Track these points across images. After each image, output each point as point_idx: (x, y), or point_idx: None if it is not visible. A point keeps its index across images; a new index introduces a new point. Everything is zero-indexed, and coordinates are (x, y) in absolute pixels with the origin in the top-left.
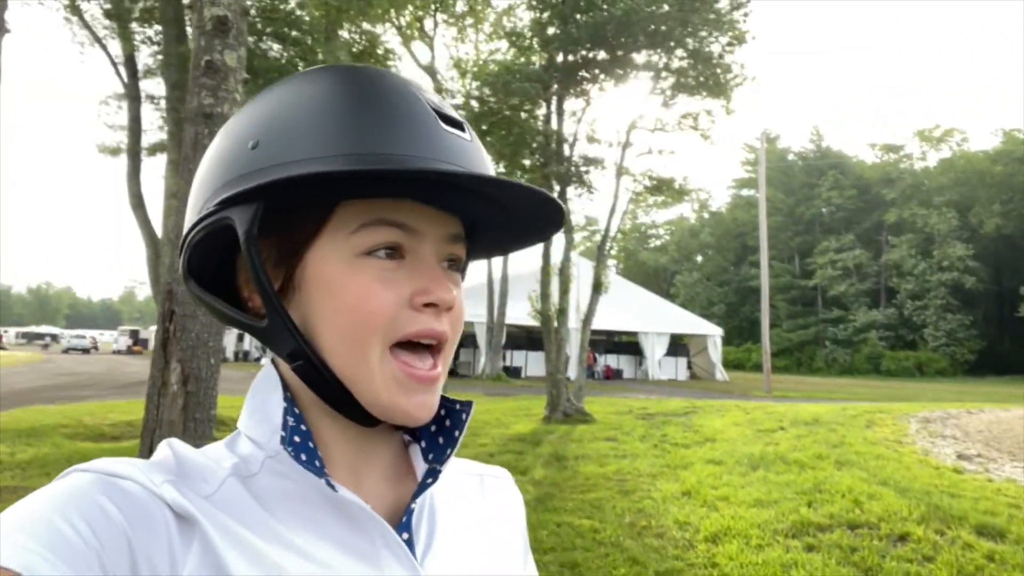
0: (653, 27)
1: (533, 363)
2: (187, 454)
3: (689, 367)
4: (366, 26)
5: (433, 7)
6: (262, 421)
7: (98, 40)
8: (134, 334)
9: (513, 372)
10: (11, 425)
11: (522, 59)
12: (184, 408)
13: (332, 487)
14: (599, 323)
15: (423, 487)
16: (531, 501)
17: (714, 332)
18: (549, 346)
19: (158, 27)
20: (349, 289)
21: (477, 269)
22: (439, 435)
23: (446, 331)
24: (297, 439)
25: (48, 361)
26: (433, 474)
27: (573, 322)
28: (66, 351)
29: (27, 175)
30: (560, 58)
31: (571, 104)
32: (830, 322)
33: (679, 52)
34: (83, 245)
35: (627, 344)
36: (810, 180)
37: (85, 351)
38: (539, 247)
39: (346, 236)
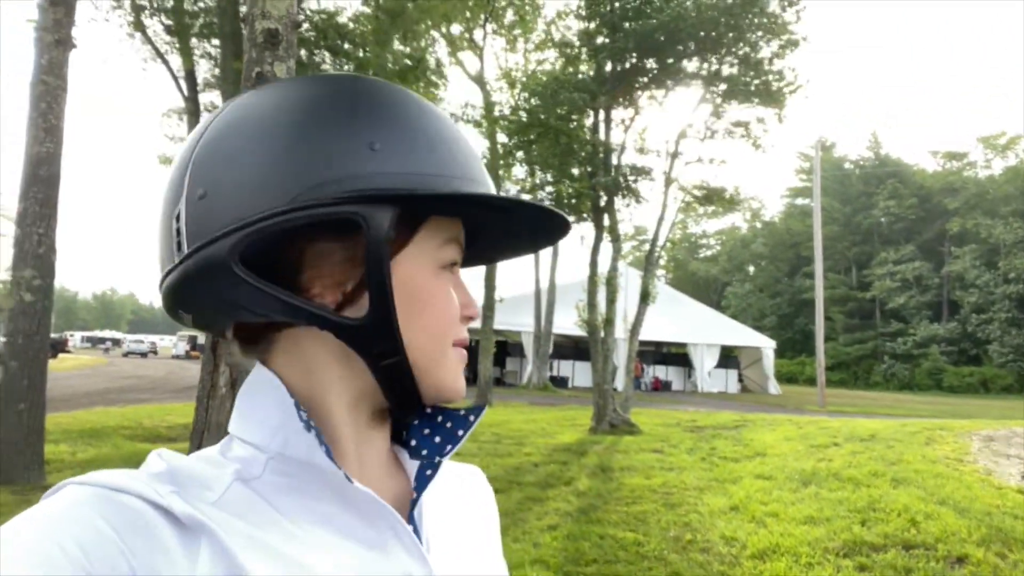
0: (703, 33)
1: (580, 373)
2: (182, 464)
3: (740, 380)
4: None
5: (483, 17)
6: (261, 423)
7: (160, 55)
8: (192, 340)
9: (560, 382)
10: (74, 426)
11: (570, 69)
12: (232, 410)
13: (348, 479)
14: (647, 334)
15: (426, 479)
16: (574, 512)
17: (766, 344)
18: (595, 356)
19: (216, 42)
20: (438, 296)
21: (525, 278)
22: (435, 434)
23: None
24: (314, 433)
25: (111, 364)
26: (434, 467)
27: (620, 332)
28: (126, 355)
29: (92, 186)
30: (608, 67)
31: (619, 113)
32: (889, 335)
33: (729, 59)
34: (146, 253)
35: (676, 355)
36: (868, 188)
37: (143, 355)
38: (587, 256)
39: (434, 248)
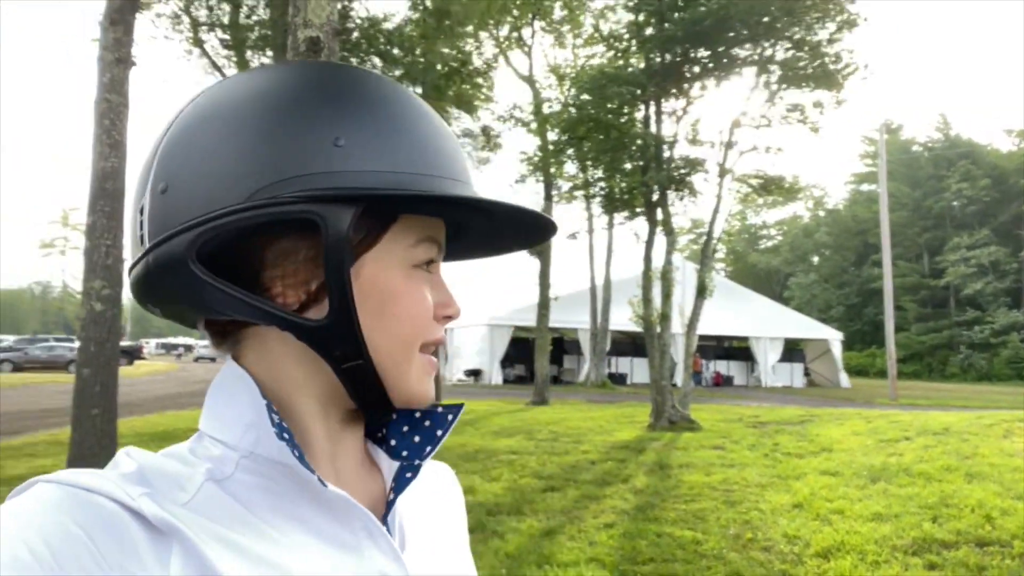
0: (755, 18)
1: (639, 369)
2: (153, 463)
3: (806, 373)
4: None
5: (531, 15)
6: (232, 421)
7: (218, 68)
8: None
9: (618, 379)
10: (147, 429)
11: (619, 62)
12: None
13: (323, 483)
14: (707, 328)
15: (404, 482)
16: (631, 510)
17: (833, 336)
18: (652, 352)
19: (271, 53)
20: (407, 298)
21: (580, 275)
22: (414, 433)
23: None
24: (286, 436)
25: (182, 370)
26: (413, 469)
27: (678, 327)
28: (197, 359)
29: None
30: (658, 59)
31: (670, 105)
32: (965, 324)
33: (783, 43)
34: None
35: (738, 350)
36: (938, 171)
37: (212, 359)
38: (642, 251)
39: (405, 248)
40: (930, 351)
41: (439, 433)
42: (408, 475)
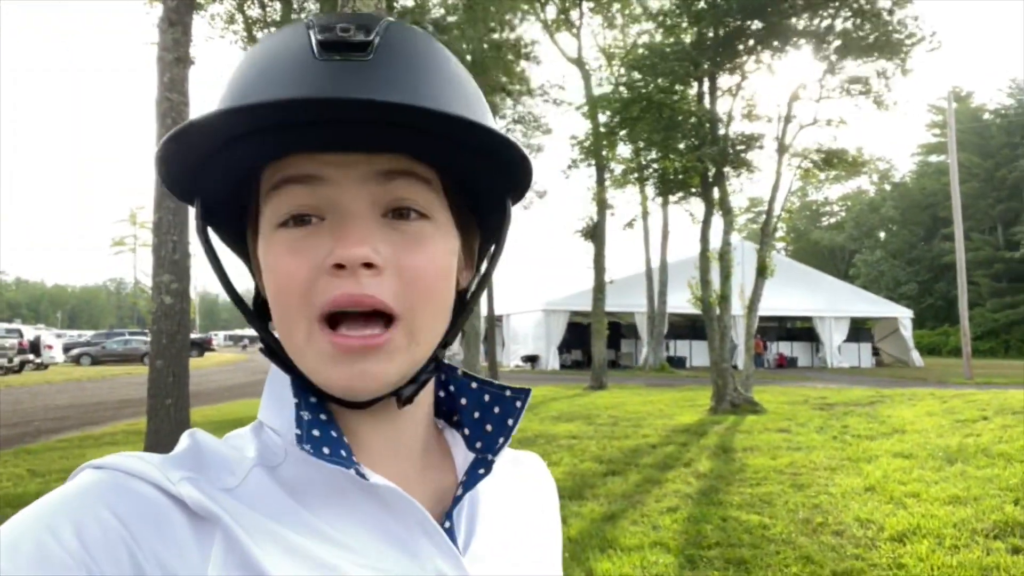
0: None
1: (698, 352)
2: (210, 445)
3: (875, 353)
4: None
5: None
6: (282, 408)
7: None
8: None
9: (677, 362)
10: (219, 417)
11: (671, 39)
12: None
13: (362, 475)
14: (769, 309)
15: (475, 477)
16: (695, 494)
17: (902, 314)
18: (712, 334)
19: None
20: (268, 264)
21: (635, 258)
22: (485, 422)
23: (373, 295)
24: (316, 432)
25: (250, 360)
26: (485, 464)
27: (738, 309)
28: (262, 349)
29: None
30: (711, 33)
31: (725, 81)
32: None
33: (843, 12)
34: None
35: (801, 330)
36: (1011, 139)
37: None
38: (698, 232)
39: (268, 210)
40: (1006, 328)
41: (509, 422)
42: (481, 471)
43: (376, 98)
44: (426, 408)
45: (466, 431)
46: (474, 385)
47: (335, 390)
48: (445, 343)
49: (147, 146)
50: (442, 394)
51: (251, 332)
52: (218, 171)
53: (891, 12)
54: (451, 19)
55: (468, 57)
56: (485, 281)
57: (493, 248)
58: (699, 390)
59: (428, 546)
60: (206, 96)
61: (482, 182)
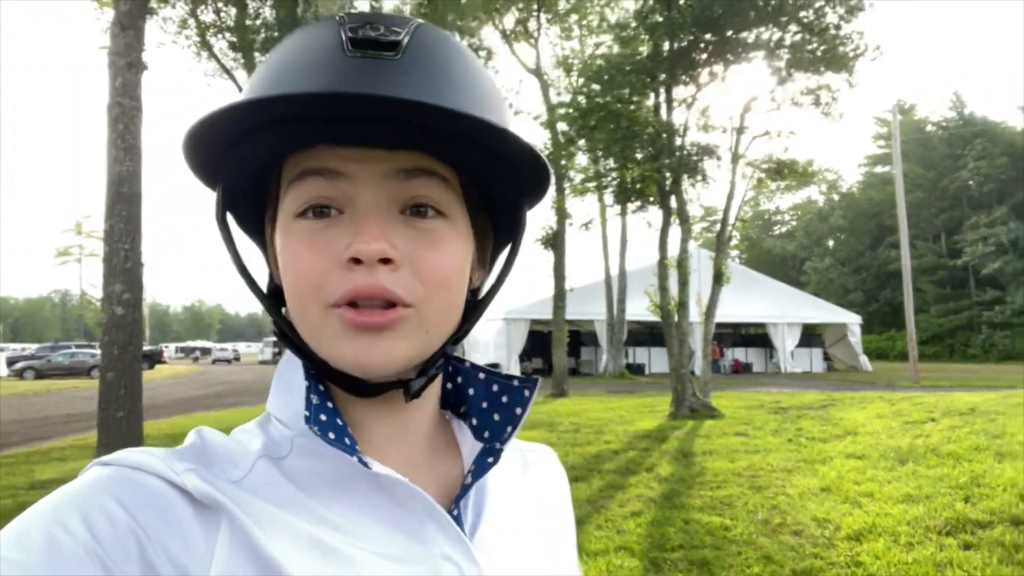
0: (763, 2)
1: (657, 359)
2: (215, 439)
3: (826, 358)
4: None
5: (535, 7)
6: (291, 400)
7: (226, 71)
8: (277, 344)
9: (636, 369)
10: (174, 430)
11: (627, 50)
12: None
13: (365, 464)
14: (725, 316)
15: (484, 466)
16: (657, 498)
17: (851, 320)
18: (670, 341)
19: None
20: (285, 252)
21: (594, 267)
22: (493, 412)
23: (386, 288)
24: (323, 417)
25: (203, 372)
26: (493, 453)
27: (695, 316)
28: (214, 362)
29: (178, 203)
30: (666, 45)
31: (680, 92)
32: (985, 304)
33: (792, 26)
34: (230, 264)
35: (756, 336)
36: (953, 151)
37: (228, 361)
38: (656, 241)
39: (289, 200)
40: (950, 332)
41: (518, 411)
42: (489, 460)
43: (403, 96)
44: (433, 400)
45: (473, 421)
46: (481, 376)
47: (346, 365)
48: (456, 339)
49: (95, 153)
50: (449, 385)
51: (203, 344)
52: (241, 159)
53: (838, 27)
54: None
55: None
56: (500, 283)
57: (508, 251)
58: (658, 396)
59: (435, 532)
60: (159, 102)
61: (499, 185)
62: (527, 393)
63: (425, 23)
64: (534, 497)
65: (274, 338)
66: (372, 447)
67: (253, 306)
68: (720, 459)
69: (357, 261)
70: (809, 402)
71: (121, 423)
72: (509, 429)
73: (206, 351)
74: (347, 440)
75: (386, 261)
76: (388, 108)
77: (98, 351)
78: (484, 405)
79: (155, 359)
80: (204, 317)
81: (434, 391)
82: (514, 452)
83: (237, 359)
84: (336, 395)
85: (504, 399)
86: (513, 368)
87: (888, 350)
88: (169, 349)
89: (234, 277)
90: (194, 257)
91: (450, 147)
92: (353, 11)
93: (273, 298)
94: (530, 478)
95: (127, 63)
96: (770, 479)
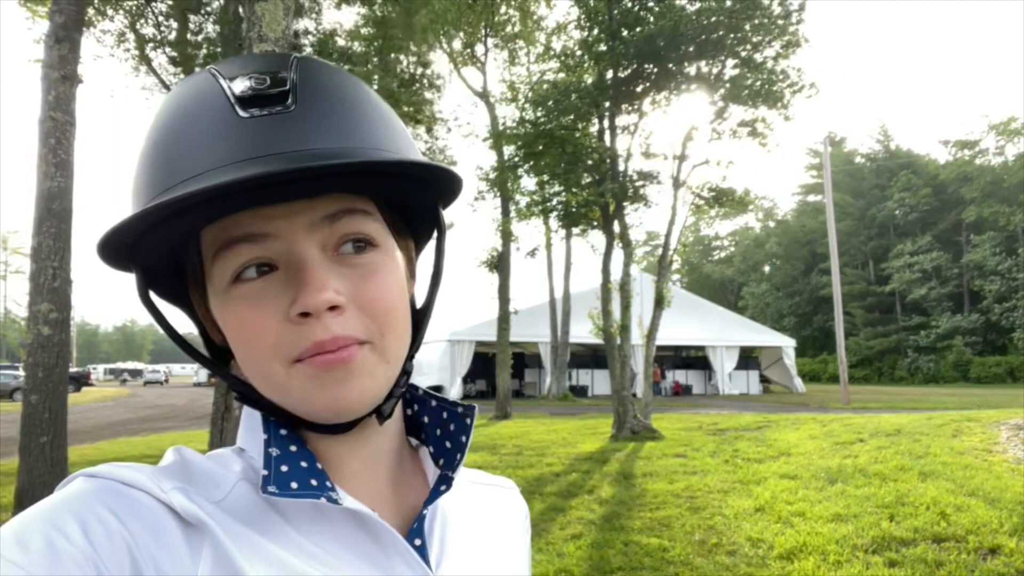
0: (703, 36)
1: (600, 381)
2: (196, 460)
3: (762, 380)
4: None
5: (483, 31)
6: (258, 441)
7: (166, 87)
8: None
9: (580, 391)
10: (98, 457)
11: (573, 78)
12: None
13: (335, 501)
14: (665, 338)
15: (436, 493)
16: (598, 520)
17: (786, 343)
18: (613, 363)
19: None
20: (229, 321)
21: (539, 289)
22: (445, 440)
23: (343, 335)
24: (284, 468)
25: (133, 395)
26: (446, 481)
27: (637, 338)
28: (146, 384)
29: (107, 219)
30: (610, 74)
31: (624, 120)
32: (911, 329)
33: (732, 60)
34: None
35: (695, 359)
36: (880, 182)
37: (160, 383)
38: (599, 264)
39: (217, 272)
40: (879, 356)
41: (463, 439)
42: (442, 488)
43: (311, 152)
44: (397, 427)
45: (431, 448)
46: (433, 403)
47: (321, 413)
48: (410, 356)
49: (24, 166)
50: (409, 412)
51: (130, 366)
52: (155, 243)
53: (776, 60)
54: (357, 47)
55: (375, 87)
56: (435, 290)
57: (435, 256)
58: (601, 418)
59: (400, 564)
60: (93, 116)
61: (414, 198)
62: (468, 421)
63: (305, 56)
64: (497, 533)
65: None
66: (344, 478)
67: (188, 326)
68: (660, 480)
69: (306, 315)
70: (746, 423)
71: (44, 448)
72: (458, 457)
73: (136, 372)
74: (314, 481)
75: (333, 308)
76: (302, 174)
77: (21, 372)
78: (438, 432)
79: (82, 381)
80: (136, 337)
81: (397, 418)
82: (481, 486)
83: (167, 381)
84: (305, 431)
85: (452, 426)
86: (456, 390)
87: (820, 372)
88: (97, 371)
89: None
90: (126, 275)
91: (364, 183)
92: (225, 61)
93: (215, 357)
94: (494, 514)
95: (61, 75)
96: (707, 500)
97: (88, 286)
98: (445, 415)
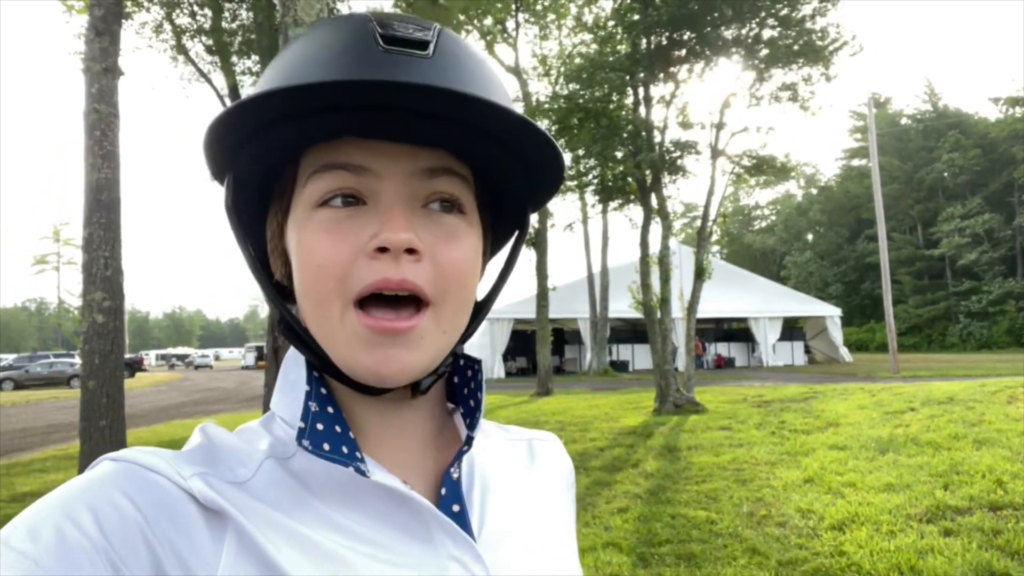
0: None
1: (640, 356)
2: (222, 438)
3: (807, 351)
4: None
5: (514, 7)
6: (295, 398)
7: (203, 75)
8: (259, 350)
9: (620, 366)
10: (153, 439)
11: (606, 49)
12: None
13: (363, 473)
14: (707, 311)
15: (459, 455)
16: (643, 494)
17: (831, 312)
18: (654, 337)
19: (256, 58)
20: (303, 244)
21: (577, 265)
22: (470, 398)
23: (410, 280)
24: (320, 426)
25: (185, 379)
26: (468, 441)
27: (677, 312)
28: (197, 368)
29: (156, 208)
30: (644, 44)
31: (659, 90)
32: (962, 294)
33: (769, 21)
34: (210, 270)
35: (738, 331)
36: (928, 143)
37: (209, 367)
38: (638, 238)
39: (308, 191)
40: (928, 323)
41: (480, 395)
42: (464, 448)
43: (449, 86)
44: (437, 395)
45: (461, 409)
46: (462, 362)
47: (363, 374)
48: (464, 338)
49: (72, 161)
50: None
51: (184, 350)
52: (258, 152)
53: (813, 19)
54: None
55: None
56: (501, 284)
57: (509, 253)
58: (642, 392)
59: (440, 533)
60: (136, 107)
61: (512, 184)
62: (479, 376)
63: (446, 28)
64: (539, 488)
65: (256, 344)
66: (375, 445)
67: (234, 311)
68: (705, 453)
69: (383, 250)
70: (791, 395)
71: (104, 432)
72: (477, 415)
73: (181, 357)
74: (345, 448)
75: (411, 251)
76: (424, 99)
77: (77, 360)
78: (465, 392)
79: (136, 367)
80: (185, 323)
81: (438, 387)
82: (520, 442)
83: (211, 366)
84: (339, 391)
85: (472, 384)
86: (497, 368)
87: (868, 341)
88: (149, 357)
89: (214, 283)
90: (174, 263)
91: (470, 144)
92: (379, 12)
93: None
94: (536, 469)
95: (103, 68)
96: (754, 472)
97: (137, 273)
98: (469, 373)
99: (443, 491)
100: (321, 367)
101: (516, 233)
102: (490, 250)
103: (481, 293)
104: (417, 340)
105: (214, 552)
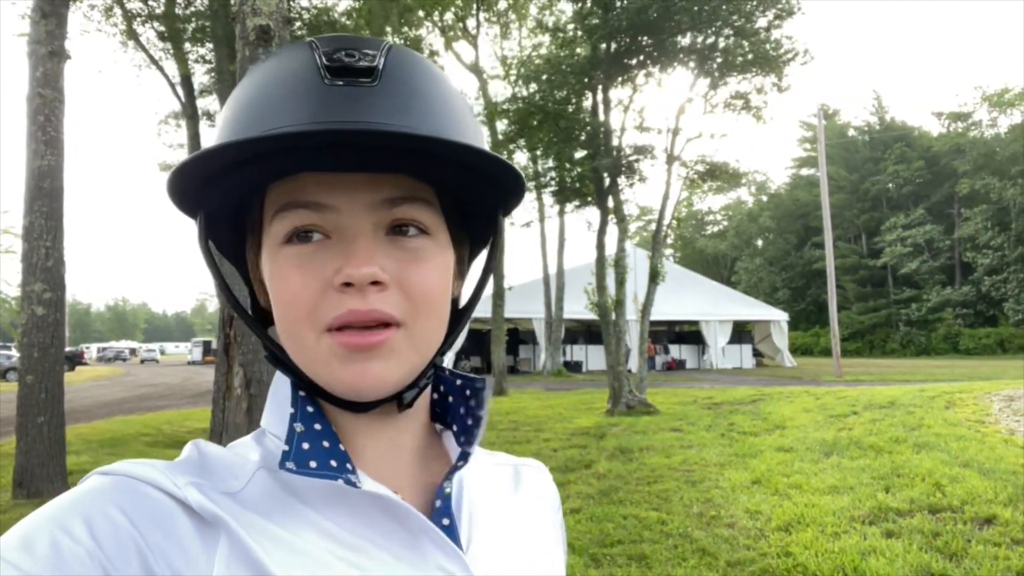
0: (696, 7)
1: (594, 357)
2: (214, 452)
3: (756, 354)
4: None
5: (474, 6)
6: (281, 418)
7: (155, 62)
8: (206, 345)
9: (574, 367)
10: (95, 436)
11: (566, 52)
12: (248, 411)
13: (353, 484)
14: (660, 313)
15: (454, 469)
16: (596, 494)
17: (779, 317)
18: (608, 339)
19: (210, 45)
20: (275, 278)
21: (533, 265)
22: (467, 417)
23: (379, 309)
24: (306, 445)
25: (127, 374)
26: (463, 456)
27: (631, 314)
28: (142, 362)
29: (98, 197)
30: (603, 48)
31: (617, 93)
32: (902, 302)
33: (725, 30)
34: (155, 261)
35: (689, 334)
36: (874, 154)
37: (155, 361)
38: (594, 240)
39: (274, 229)
40: (871, 329)
41: (481, 413)
42: (459, 463)
43: (384, 127)
44: (422, 412)
45: (454, 428)
46: (458, 382)
47: (342, 389)
48: (442, 351)
49: (13, 147)
50: (435, 396)
51: (129, 344)
52: (223, 191)
53: (768, 31)
54: (347, 23)
55: None
56: (480, 291)
57: (486, 259)
58: (596, 393)
59: (429, 545)
60: (81, 92)
61: (476, 197)
62: (485, 393)
63: (397, 45)
64: (525, 512)
65: (203, 339)
66: (364, 461)
67: (180, 305)
68: (656, 455)
69: (348, 284)
70: (740, 397)
71: (42, 429)
72: (476, 432)
73: (125, 352)
74: (334, 462)
75: (375, 283)
76: (372, 139)
77: (14, 352)
78: (462, 411)
79: (76, 361)
80: (128, 316)
81: (423, 403)
82: (507, 467)
83: (157, 360)
84: (329, 410)
85: (472, 402)
86: (450, 367)
87: (813, 346)
88: (90, 350)
89: (161, 274)
90: (118, 252)
91: (428, 167)
92: (325, 36)
93: (258, 319)
94: (522, 493)
95: (48, 51)
96: (704, 473)
97: (79, 264)
98: (468, 392)
99: (437, 503)
100: (305, 388)
101: (491, 239)
102: (467, 258)
103: (465, 296)
104: (389, 352)
105: (207, 561)
